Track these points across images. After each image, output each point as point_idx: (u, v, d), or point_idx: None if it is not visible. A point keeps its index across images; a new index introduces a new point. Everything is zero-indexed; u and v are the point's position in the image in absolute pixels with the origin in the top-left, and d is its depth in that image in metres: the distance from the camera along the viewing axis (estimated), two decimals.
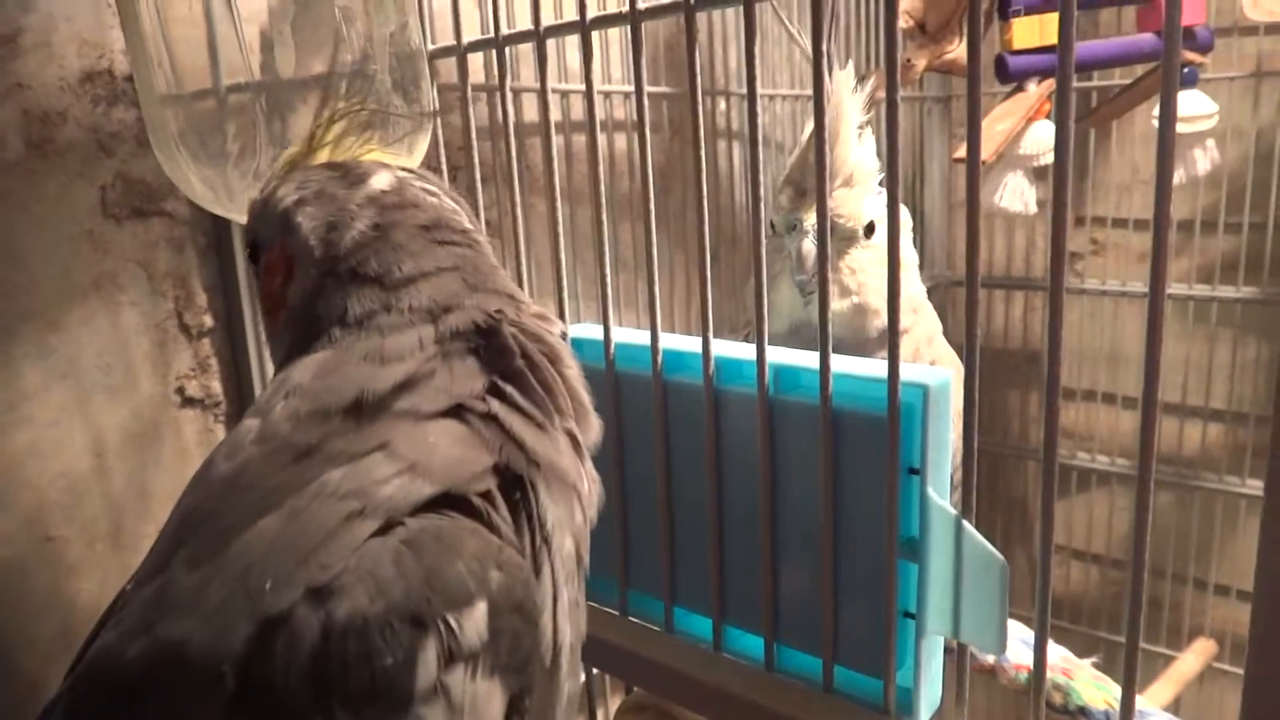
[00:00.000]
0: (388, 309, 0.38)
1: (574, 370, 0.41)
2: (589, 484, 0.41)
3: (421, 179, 0.44)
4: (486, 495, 0.35)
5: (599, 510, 0.42)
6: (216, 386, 0.78)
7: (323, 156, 0.44)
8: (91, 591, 0.71)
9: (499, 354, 0.38)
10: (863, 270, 0.67)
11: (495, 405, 0.37)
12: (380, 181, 0.42)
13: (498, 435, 0.36)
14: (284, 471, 0.34)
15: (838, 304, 0.66)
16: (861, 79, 0.99)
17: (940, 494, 0.44)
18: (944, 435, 0.44)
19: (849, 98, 0.66)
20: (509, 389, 0.38)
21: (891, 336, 0.42)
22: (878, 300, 0.66)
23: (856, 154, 0.66)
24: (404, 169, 0.44)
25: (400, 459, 0.34)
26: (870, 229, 0.67)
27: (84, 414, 0.70)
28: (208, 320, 0.76)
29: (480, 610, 0.32)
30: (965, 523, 0.42)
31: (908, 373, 0.43)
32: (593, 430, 0.42)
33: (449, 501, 0.34)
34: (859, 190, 0.67)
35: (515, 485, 0.36)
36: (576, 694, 0.40)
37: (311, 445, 0.35)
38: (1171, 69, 0.34)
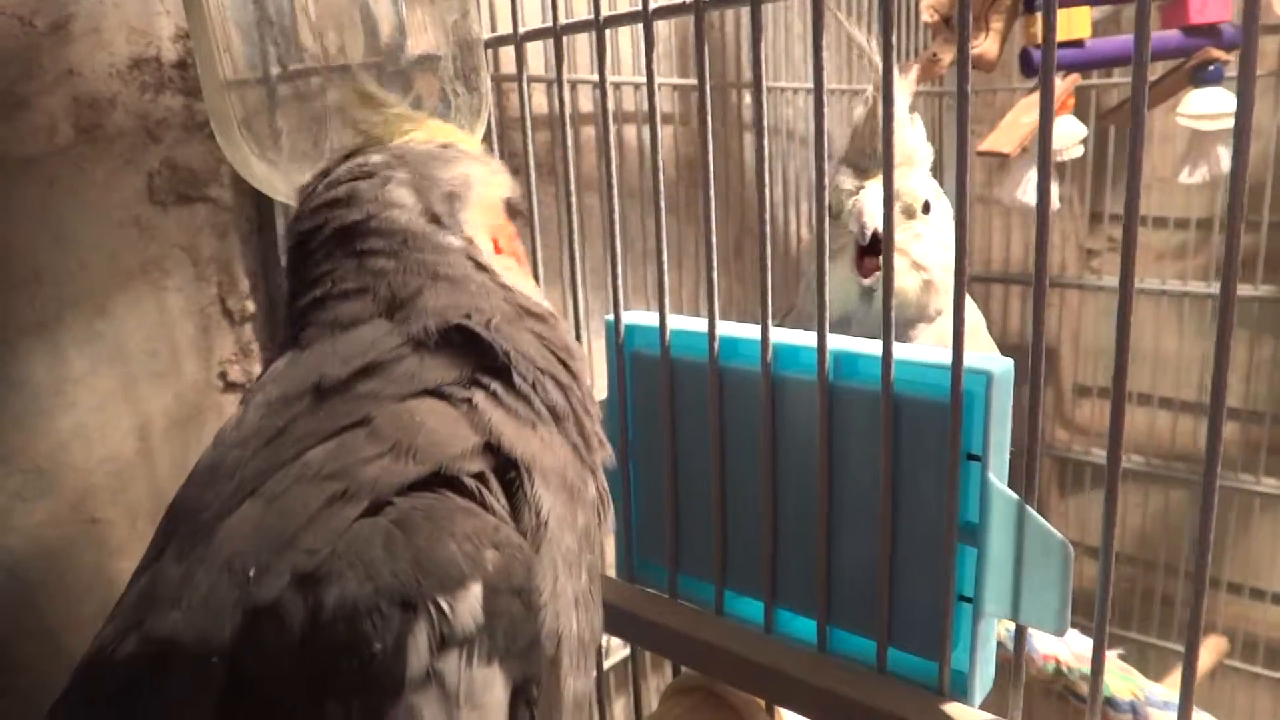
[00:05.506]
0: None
1: (587, 383, 0.41)
2: (597, 490, 0.40)
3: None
4: (479, 476, 0.34)
5: (611, 526, 0.41)
6: (258, 371, 0.78)
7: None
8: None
9: (481, 350, 0.37)
10: (925, 243, 0.69)
11: (477, 395, 0.36)
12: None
13: (482, 419, 0.35)
14: (258, 457, 0.33)
15: (910, 279, 0.68)
16: None
17: (1000, 479, 0.44)
18: (1005, 421, 0.44)
19: (901, 82, 0.68)
20: (491, 383, 0.36)
21: (956, 322, 0.43)
22: (943, 275, 0.68)
23: (912, 136, 0.69)
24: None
25: (382, 438, 0.33)
26: (926, 207, 0.69)
27: (129, 398, 0.71)
28: (250, 306, 0.77)
29: (474, 592, 0.31)
30: (1027, 506, 0.42)
31: (971, 360, 0.44)
32: (602, 449, 0.41)
33: (441, 482, 0.33)
34: (916, 170, 0.69)
35: (509, 467, 0.35)
36: (586, 698, 0.38)
37: (279, 428, 0.34)
38: (1248, 64, 0.35)
